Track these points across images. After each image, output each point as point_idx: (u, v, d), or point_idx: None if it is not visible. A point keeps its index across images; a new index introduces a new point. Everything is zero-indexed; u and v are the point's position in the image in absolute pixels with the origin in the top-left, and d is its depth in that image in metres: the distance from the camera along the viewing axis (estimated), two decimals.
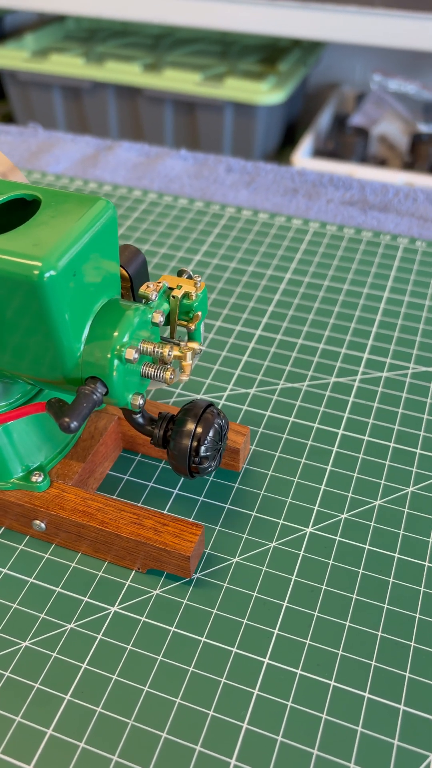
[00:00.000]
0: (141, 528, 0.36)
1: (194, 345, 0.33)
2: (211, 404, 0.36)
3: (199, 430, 0.34)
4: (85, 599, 0.38)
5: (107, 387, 0.32)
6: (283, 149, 1.58)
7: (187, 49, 1.57)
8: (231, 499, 0.42)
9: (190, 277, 0.34)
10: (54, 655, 0.36)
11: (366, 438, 0.45)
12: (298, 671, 0.35)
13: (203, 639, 0.36)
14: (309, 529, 0.41)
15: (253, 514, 0.41)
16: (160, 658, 0.35)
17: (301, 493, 0.42)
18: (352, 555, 0.39)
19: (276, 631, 0.36)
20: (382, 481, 0.43)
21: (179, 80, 1.44)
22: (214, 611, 0.37)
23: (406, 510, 0.41)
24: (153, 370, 0.33)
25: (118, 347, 0.32)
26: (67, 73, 1.46)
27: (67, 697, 0.34)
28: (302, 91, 1.62)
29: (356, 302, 0.55)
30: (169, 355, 0.32)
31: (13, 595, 0.38)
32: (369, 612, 0.37)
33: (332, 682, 0.34)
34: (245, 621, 0.37)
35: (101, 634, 0.36)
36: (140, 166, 0.71)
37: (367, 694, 0.34)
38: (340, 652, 0.36)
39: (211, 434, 0.34)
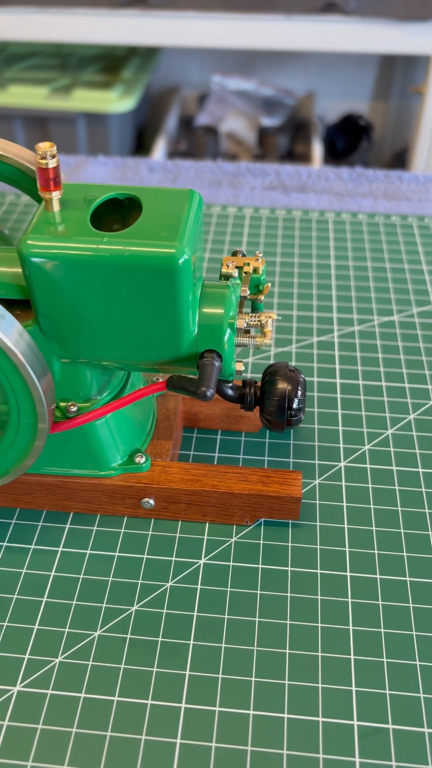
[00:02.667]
0: (250, 483, 0.41)
1: (272, 314, 0.38)
2: (288, 364, 0.41)
3: (290, 387, 0.39)
4: (173, 559, 0.41)
5: (221, 357, 0.36)
6: (136, 154, 1.63)
7: (24, 63, 1.57)
8: (267, 452, 0.47)
9: (243, 255, 0.39)
10: (164, 611, 0.39)
11: (361, 382, 0.52)
12: (378, 576, 0.41)
13: (289, 568, 0.41)
14: (342, 463, 0.46)
15: (291, 460, 0.47)
16: (258, 592, 0.40)
17: (325, 435, 0.48)
18: (384, 476, 0.46)
19: (347, 549, 0.42)
20: (387, 414, 0.50)
21: (26, 96, 1.45)
22: (290, 544, 0.42)
23: (414, 433, 0.48)
24: (246, 338, 0.38)
25: (229, 320, 0.36)
26: None
27: (191, 642, 0.38)
28: (146, 96, 1.68)
29: (310, 272, 0.62)
30: (264, 323, 0.37)
31: (105, 569, 0.41)
32: (416, 518, 0.43)
33: (407, 578, 0.41)
34: (319, 546, 0.42)
35: (199, 584, 0.40)
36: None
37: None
38: (405, 554, 0.42)
39: (300, 389, 0.39)
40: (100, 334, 0.36)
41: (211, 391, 0.34)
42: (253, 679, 0.36)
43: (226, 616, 0.39)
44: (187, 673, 0.37)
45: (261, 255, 0.38)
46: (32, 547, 0.42)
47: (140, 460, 0.41)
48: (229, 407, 0.45)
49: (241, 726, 0.35)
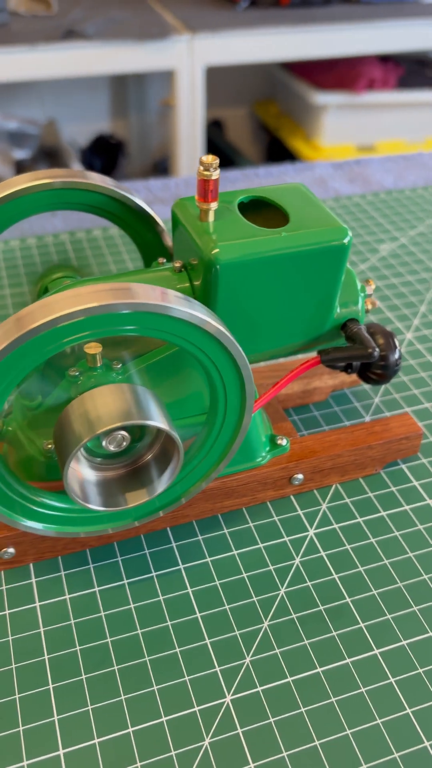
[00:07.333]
0: (377, 434, 0.45)
1: (370, 281, 0.43)
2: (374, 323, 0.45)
3: (391, 340, 0.42)
4: (286, 539, 0.44)
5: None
6: None
7: None
8: (346, 416, 0.51)
9: None
10: (309, 584, 0.41)
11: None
12: None
13: (383, 513, 0.45)
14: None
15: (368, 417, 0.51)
16: (373, 540, 0.44)
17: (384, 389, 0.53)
18: None
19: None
20: None
21: None
22: (370, 494, 0.46)
23: None
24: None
25: (360, 292, 0.41)
26: None
27: (348, 599, 0.41)
28: None
29: None
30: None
31: (233, 569, 0.42)
32: None
33: None
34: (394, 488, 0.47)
35: (322, 551, 0.43)
36: None
37: None
38: None
39: (396, 340, 0.43)
40: (268, 327, 0.38)
41: (378, 349, 0.39)
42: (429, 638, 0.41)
43: (362, 568, 0.42)
44: (362, 625, 0.40)
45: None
46: (182, 566, 0.42)
47: (282, 442, 0.44)
48: (304, 383, 0.49)
49: None
